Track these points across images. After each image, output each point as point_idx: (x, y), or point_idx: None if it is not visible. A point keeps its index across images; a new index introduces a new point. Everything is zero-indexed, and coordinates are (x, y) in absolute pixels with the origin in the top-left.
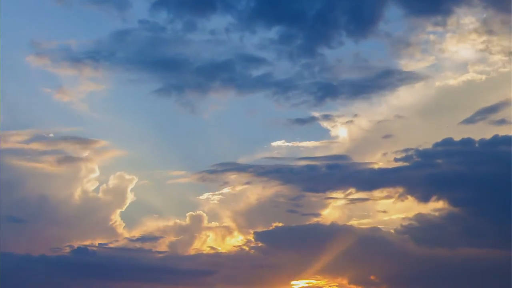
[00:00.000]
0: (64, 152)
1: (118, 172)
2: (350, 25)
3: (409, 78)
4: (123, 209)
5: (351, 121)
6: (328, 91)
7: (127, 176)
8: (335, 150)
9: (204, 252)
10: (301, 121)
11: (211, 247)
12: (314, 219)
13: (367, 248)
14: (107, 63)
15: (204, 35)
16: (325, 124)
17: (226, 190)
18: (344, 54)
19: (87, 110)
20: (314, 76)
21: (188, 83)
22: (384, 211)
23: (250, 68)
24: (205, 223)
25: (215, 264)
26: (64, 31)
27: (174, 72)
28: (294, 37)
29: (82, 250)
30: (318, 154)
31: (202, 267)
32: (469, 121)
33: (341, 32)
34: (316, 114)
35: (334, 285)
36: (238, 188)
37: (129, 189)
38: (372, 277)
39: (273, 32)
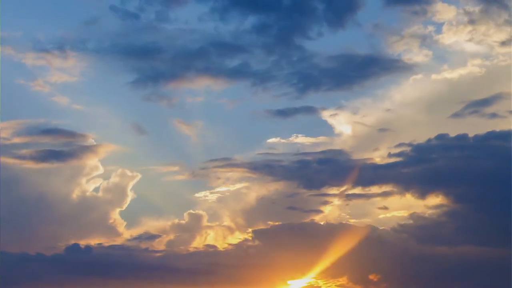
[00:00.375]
0: (49, 146)
1: (119, 169)
2: (328, 15)
3: (392, 68)
4: (123, 208)
5: (340, 114)
6: (309, 82)
7: (129, 173)
8: (331, 146)
9: (201, 250)
10: (284, 113)
11: (208, 246)
12: (312, 217)
13: (366, 246)
14: (77, 52)
15: (178, 25)
16: (318, 118)
17: (220, 188)
18: (323, 44)
19: (68, 103)
20: (294, 67)
21: (163, 74)
22: (383, 208)
23: (226, 58)
24: (202, 221)
25: (212, 263)
26: (31, 19)
27: (148, 61)
28: (270, 27)
29: (79, 249)
30: (314, 150)
31: (199, 266)
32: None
33: (320, 22)
34: (300, 106)
35: (332, 284)
36: (233, 185)
37: (128, 187)
38: (371, 276)
39: (248, 23)
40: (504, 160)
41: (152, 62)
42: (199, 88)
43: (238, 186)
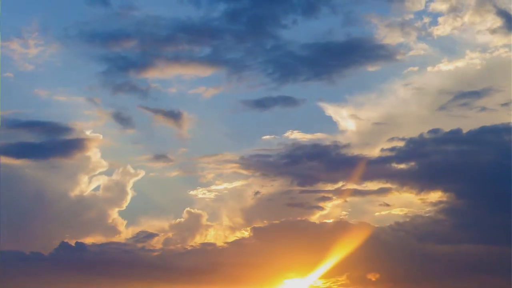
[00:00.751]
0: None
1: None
2: (303, 2)
3: (375, 57)
4: (121, 206)
5: (334, 109)
6: (287, 72)
7: (131, 170)
8: (327, 142)
9: (198, 248)
10: (265, 105)
11: (203, 244)
12: (310, 215)
13: (364, 245)
14: (43, 40)
15: (146, 11)
16: (310, 112)
17: (211, 186)
18: (297, 32)
19: (35, 92)
20: (269, 55)
21: (134, 63)
22: (382, 205)
23: (196, 46)
24: (197, 219)
25: (208, 262)
26: None
27: (118, 50)
28: (242, 15)
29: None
30: (309, 146)
31: (195, 265)
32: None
33: (294, 9)
34: (278, 96)
35: (332, 284)
36: (229, 183)
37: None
38: (370, 275)
39: (219, 10)
40: (504, 154)
41: (121, 51)
42: (173, 78)
43: (235, 184)
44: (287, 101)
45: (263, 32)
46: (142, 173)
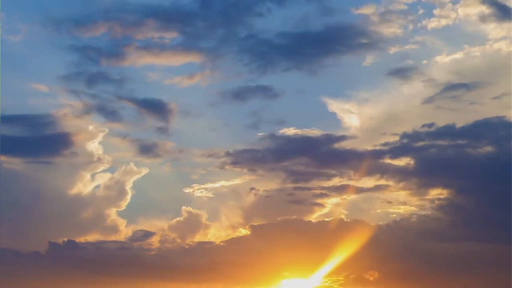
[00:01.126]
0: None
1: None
2: None
3: (356, 47)
4: (118, 205)
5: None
6: (265, 62)
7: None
8: (322, 138)
9: (194, 247)
10: (243, 97)
11: (199, 243)
12: (308, 214)
13: (362, 243)
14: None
15: None
16: (303, 106)
17: (211, 184)
18: (272, 20)
19: None
20: (245, 45)
21: (105, 52)
22: (381, 204)
23: (167, 33)
24: (192, 217)
25: (205, 261)
26: None
27: (87, 37)
28: (214, 2)
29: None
30: (301, 140)
31: (193, 263)
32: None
33: None
34: (257, 85)
35: (330, 283)
36: (226, 181)
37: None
38: (369, 274)
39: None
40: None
41: (90, 39)
42: (147, 67)
43: (230, 180)
44: (268, 92)
45: (237, 20)
46: (145, 171)
